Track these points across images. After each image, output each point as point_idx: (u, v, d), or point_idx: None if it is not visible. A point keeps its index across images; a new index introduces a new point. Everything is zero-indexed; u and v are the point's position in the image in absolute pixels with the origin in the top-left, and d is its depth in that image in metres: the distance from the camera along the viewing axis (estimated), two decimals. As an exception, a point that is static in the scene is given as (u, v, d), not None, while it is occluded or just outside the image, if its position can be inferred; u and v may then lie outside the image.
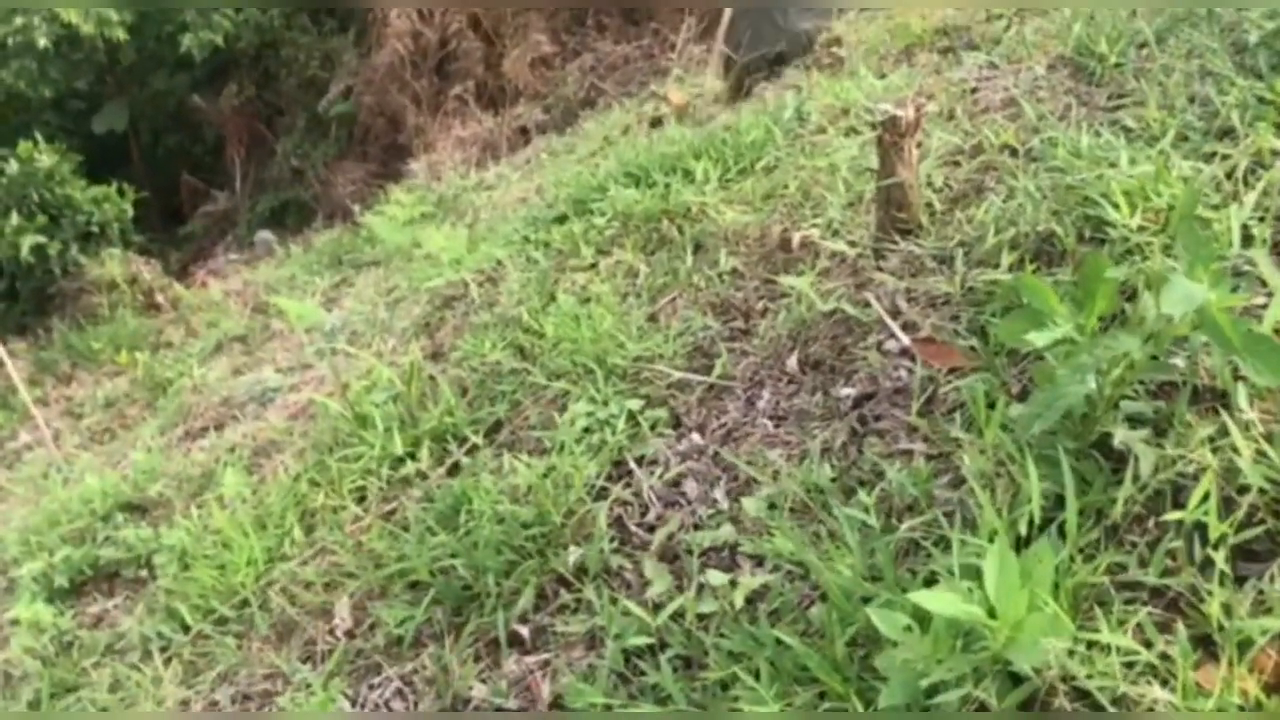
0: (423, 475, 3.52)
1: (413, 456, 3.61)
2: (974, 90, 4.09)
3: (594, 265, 4.35)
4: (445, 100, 10.43)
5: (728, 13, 6.75)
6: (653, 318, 3.74)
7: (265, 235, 11.09)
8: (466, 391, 3.87)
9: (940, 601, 1.81)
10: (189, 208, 12.96)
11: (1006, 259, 2.87)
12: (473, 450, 3.50)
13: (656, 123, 6.51)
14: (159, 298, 9.48)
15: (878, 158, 3.19)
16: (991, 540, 1.95)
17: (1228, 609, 1.78)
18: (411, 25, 10.42)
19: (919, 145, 3.18)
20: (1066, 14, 4.34)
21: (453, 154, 9.71)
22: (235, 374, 6.13)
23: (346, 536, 3.42)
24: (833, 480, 2.58)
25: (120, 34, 10.81)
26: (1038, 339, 2.02)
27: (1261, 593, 1.80)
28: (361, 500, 3.60)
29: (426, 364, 4.25)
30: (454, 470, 3.47)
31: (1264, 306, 2.20)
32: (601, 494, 3.00)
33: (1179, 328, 1.95)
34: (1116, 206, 2.70)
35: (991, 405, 2.33)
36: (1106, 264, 1.98)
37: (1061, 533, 1.99)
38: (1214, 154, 2.85)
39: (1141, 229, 2.62)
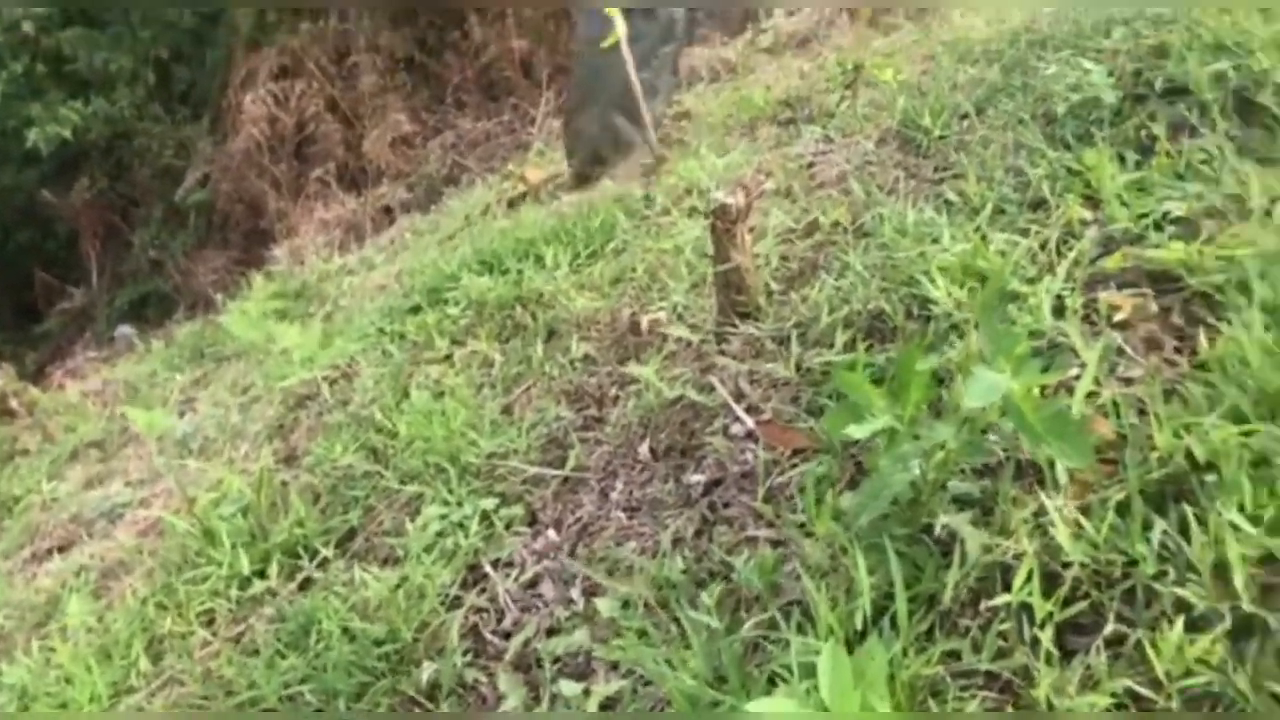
0: (273, 593, 3.38)
1: (262, 575, 3.47)
2: (810, 165, 4.18)
3: (449, 357, 4.29)
4: (306, 183, 10.31)
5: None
6: (507, 409, 3.69)
7: (125, 330, 10.69)
8: (319, 499, 3.75)
9: (776, 708, 1.80)
10: (44, 305, 12.49)
11: (840, 338, 2.92)
12: (324, 563, 3.38)
13: (514, 202, 6.51)
14: (13, 403, 8.98)
15: (712, 244, 3.23)
16: (828, 638, 1.95)
17: (1057, 688, 1.80)
18: (267, 110, 10.29)
19: (751, 230, 3.22)
20: (894, 85, 4.48)
21: (315, 237, 9.56)
22: (87, 486, 5.84)
23: (195, 664, 3.26)
24: (683, 573, 2.55)
25: (-38, 132, 10.45)
26: (857, 432, 2.04)
27: (1089, 667, 1.83)
28: (210, 623, 3.43)
29: (279, 469, 4.11)
30: (305, 585, 3.34)
31: (1079, 378, 2.27)
32: (455, 603, 2.92)
33: (989, 414, 1.99)
34: (935, 284, 2.76)
35: (825, 494, 2.34)
36: (918, 355, 2.02)
37: (895, 624, 1.99)
38: (1029, 227, 2.95)
39: (960, 306, 2.69)
